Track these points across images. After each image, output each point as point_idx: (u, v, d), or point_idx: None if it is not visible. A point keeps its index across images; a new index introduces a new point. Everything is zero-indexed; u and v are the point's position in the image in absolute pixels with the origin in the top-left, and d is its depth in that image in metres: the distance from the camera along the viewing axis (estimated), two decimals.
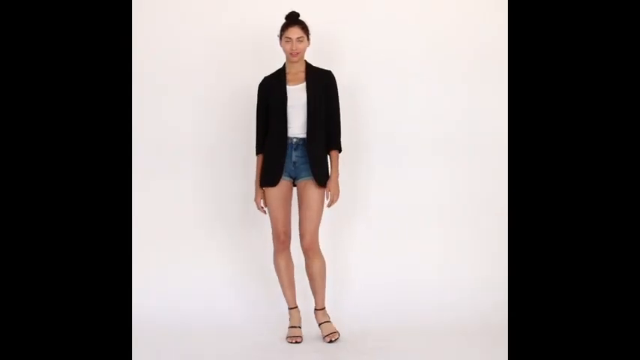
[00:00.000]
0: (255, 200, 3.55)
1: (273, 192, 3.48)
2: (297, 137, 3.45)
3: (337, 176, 3.50)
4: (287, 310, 3.56)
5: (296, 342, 3.41)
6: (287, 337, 3.45)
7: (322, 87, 3.48)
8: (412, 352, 3.24)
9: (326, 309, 3.52)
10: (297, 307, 3.56)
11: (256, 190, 3.55)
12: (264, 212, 3.55)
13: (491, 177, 3.98)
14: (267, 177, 3.47)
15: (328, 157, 3.51)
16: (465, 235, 4.05)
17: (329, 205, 3.49)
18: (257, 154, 3.57)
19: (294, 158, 3.46)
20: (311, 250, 3.43)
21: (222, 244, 4.05)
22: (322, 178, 3.45)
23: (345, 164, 3.63)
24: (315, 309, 3.53)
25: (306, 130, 3.44)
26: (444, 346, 3.32)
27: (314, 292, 3.51)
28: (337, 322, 3.52)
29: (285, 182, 3.48)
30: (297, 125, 3.44)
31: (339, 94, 3.55)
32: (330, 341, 3.40)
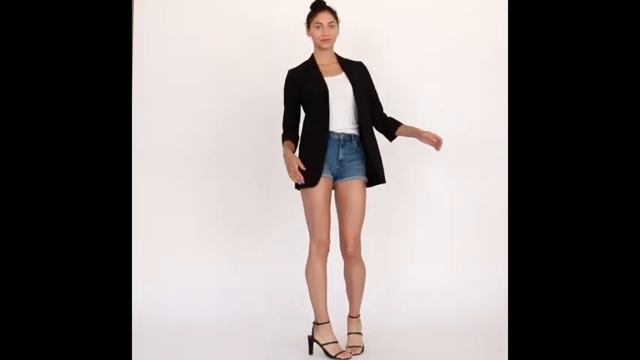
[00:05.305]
0: (290, 160, 3.09)
1: (314, 193, 3.11)
2: (344, 133, 3.14)
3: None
4: (290, 311, 3.47)
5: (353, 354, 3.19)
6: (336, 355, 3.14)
7: (360, 77, 3.19)
8: (413, 355, 3.24)
9: (360, 318, 3.31)
10: (329, 321, 3.23)
11: (287, 156, 3.12)
12: (301, 178, 3.09)
13: (492, 181, 3.96)
14: (306, 177, 3.08)
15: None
16: (466, 239, 4.05)
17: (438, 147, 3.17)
18: (284, 141, 3.20)
19: (340, 156, 3.13)
20: (355, 257, 3.19)
21: (223, 243, 4.05)
22: (382, 174, 3.18)
23: None
24: (350, 316, 3.29)
25: (356, 126, 3.15)
26: (446, 350, 3.31)
27: (352, 299, 3.27)
28: (339, 326, 3.50)
29: (326, 181, 3.13)
30: (342, 120, 3.13)
31: None
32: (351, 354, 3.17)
